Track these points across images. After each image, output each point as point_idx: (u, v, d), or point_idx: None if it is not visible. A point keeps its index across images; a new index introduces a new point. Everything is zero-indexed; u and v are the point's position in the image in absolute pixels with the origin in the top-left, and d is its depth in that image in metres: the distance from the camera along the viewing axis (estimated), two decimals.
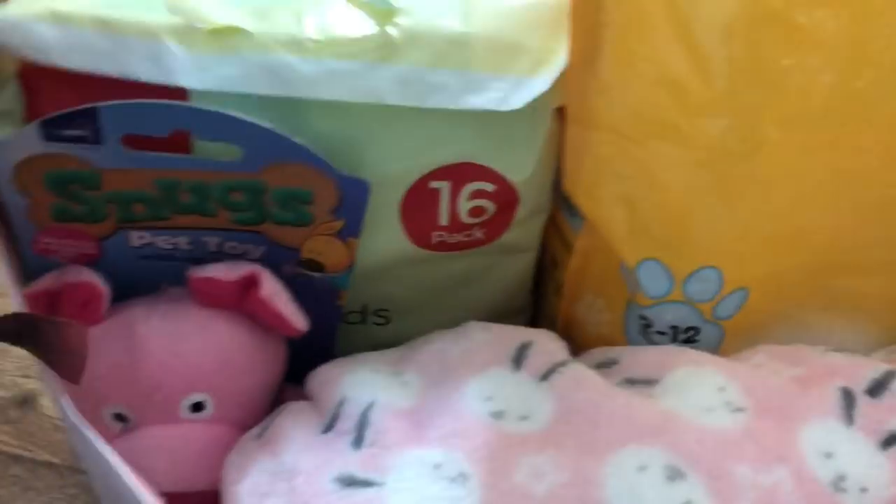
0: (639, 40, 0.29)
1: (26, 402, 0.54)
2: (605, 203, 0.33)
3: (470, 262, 0.37)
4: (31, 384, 0.54)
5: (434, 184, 0.34)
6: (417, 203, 0.34)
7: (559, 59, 0.31)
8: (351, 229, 0.33)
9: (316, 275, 0.35)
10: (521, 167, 0.34)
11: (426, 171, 0.34)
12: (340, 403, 0.31)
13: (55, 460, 0.50)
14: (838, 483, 0.28)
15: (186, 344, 0.32)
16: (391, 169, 0.33)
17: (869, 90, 0.29)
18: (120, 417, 0.32)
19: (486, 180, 0.34)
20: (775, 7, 0.27)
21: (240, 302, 0.33)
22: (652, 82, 0.29)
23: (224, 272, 0.33)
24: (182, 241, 0.33)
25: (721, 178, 0.30)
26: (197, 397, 0.32)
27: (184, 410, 0.32)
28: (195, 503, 0.31)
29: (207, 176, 0.31)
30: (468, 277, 0.38)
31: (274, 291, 0.33)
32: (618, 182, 0.32)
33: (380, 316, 0.39)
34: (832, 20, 0.27)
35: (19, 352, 0.54)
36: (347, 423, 0.30)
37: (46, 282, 0.32)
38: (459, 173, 0.34)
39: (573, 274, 0.37)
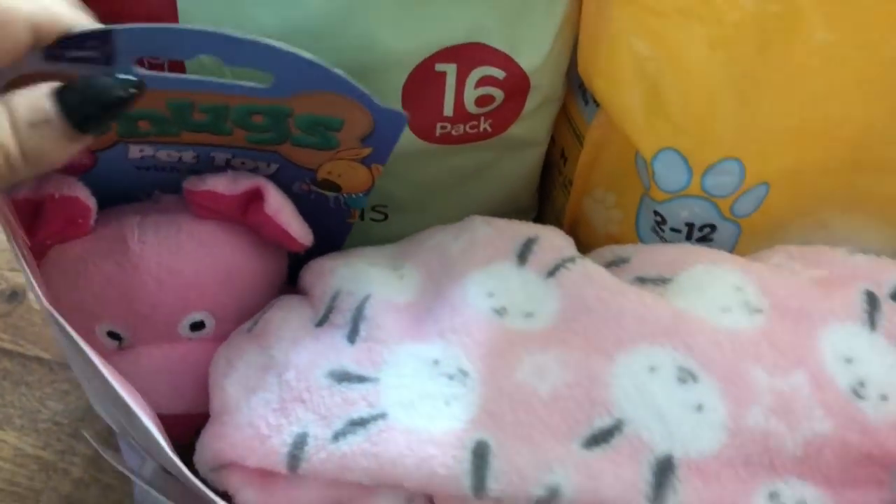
0: None
1: (15, 295, 0.52)
2: (622, 86, 0.30)
3: (474, 156, 0.35)
4: (20, 277, 0.53)
5: (440, 66, 0.31)
6: (421, 89, 0.32)
7: None
8: (378, 156, 0.31)
9: (331, 195, 0.33)
10: (534, 50, 0.32)
11: (432, 51, 0.31)
12: (335, 296, 0.29)
13: (46, 356, 0.49)
14: (858, 389, 0.27)
15: (184, 260, 0.30)
16: (393, 48, 0.31)
17: None
18: (114, 336, 0.31)
19: (497, 65, 0.32)
20: None
21: (242, 215, 0.31)
22: None
23: (225, 185, 0.30)
24: (187, 156, 0.31)
25: (750, 59, 0.28)
26: (196, 316, 0.31)
27: (183, 329, 0.31)
28: (195, 425, 0.30)
29: (230, 100, 0.28)
30: (471, 173, 0.36)
31: (279, 206, 0.31)
32: (637, 62, 0.29)
33: (377, 212, 0.37)
34: None
35: (8, 245, 0.52)
36: (342, 316, 0.29)
37: (29, 191, 0.29)
38: (468, 55, 0.31)
39: (584, 166, 0.35)
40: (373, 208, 0.37)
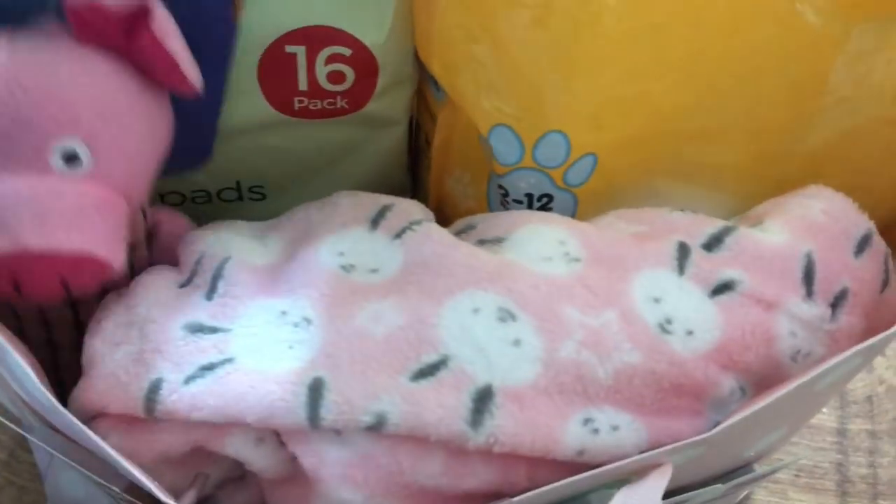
0: None
1: None
2: (456, 68, 0.33)
3: (338, 132, 0.38)
4: None
5: (290, 48, 0.35)
6: (275, 67, 0.35)
7: None
8: None
9: None
10: (375, 30, 0.35)
11: (280, 33, 0.34)
12: (199, 260, 0.32)
13: None
14: (665, 325, 0.30)
15: (58, 76, 0.28)
16: (247, 32, 0.34)
17: None
18: None
19: (342, 44, 0.35)
20: None
21: (127, 42, 0.29)
22: None
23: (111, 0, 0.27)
24: None
25: (567, 39, 0.31)
26: (69, 142, 0.28)
27: (55, 160, 0.28)
28: (60, 269, 0.27)
29: None
30: (340, 151, 0.39)
31: (167, 30, 0.28)
32: (466, 44, 0.32)
33: (255, 192, 0.40)
34: None
35: None
36: (203, 277, 0.31)
37: None
38: (314, 37, 0.34)
39: (439, 147, 0.38)
40: (250, 189, 0.40)
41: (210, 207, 0.40)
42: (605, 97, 0.33)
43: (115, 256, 0.29)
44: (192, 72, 0.30)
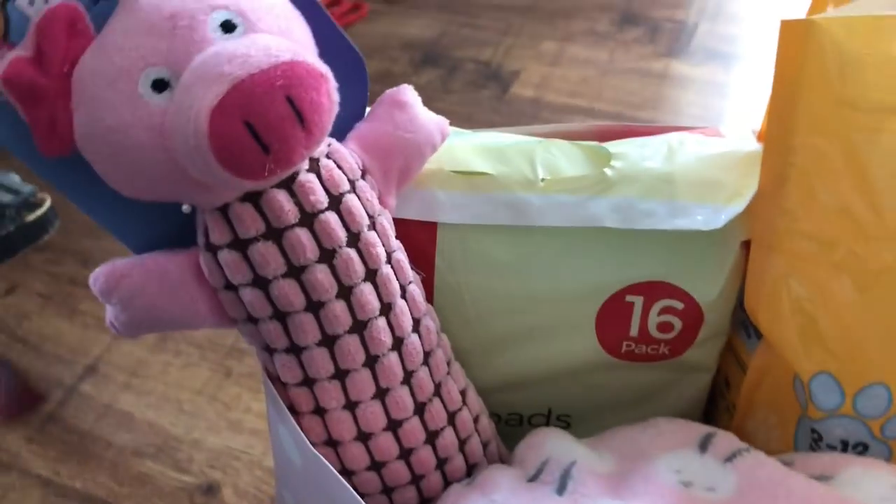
0: (820, 178, 0.35)
1: (211, 489, 0.60)
2: (782, 319, 0.38)
3: (652, 375, 0.43)
4: (217, 474, 0.61)
5: (630, 297, 0.40)
6: (612, 313, 0.41)
7: (750, 192, 0.37)
8: None
9: None
10: (708, 289, 0.40)
11: (624, 285, 0.40)
12: (545, 462, 0.36)
13: None
14: None
15: None
16: (594, 281, 0.40)
17: None
18: (160, 84, 0.30)
19: (676, 298, 0.40)
20: None
21: None
22: (829, 213, 0.35)
23: None
24: None
25: (888, 300, 0.35)
26: (222, 14, 0.30)
27: (215, 32, 0.30)
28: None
29: None
30: (649, 391, 0.43)
31: None
32: (795, 300, 0.37)
33: (562, 421, 0.45)
34: None
35: (211, 445, 0.62)
36: (551, 475, 0.35)
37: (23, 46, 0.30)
38: (653, 290, 0.40)
39: (747, 391, 0.41)
40: (558, 417, 0.44)
41: (519, 431, 0.45)
42: None
43: (325, 68, 0.30)
44: None
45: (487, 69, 1.04)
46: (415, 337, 0.37)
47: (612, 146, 0.40)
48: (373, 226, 0.35)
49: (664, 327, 0.41)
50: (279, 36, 0.31)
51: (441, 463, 0.38)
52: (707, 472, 0.34)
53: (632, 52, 1.06)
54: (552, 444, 0.37)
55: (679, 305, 0.40)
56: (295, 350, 0.35)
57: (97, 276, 0.34)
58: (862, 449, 0.38)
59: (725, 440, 0.36)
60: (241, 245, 0.33)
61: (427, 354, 0.38)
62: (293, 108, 0.28)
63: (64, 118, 0.30)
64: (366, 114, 0.38)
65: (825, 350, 0.37)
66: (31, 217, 0.80)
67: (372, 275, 0.35)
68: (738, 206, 0.37)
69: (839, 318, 0.36)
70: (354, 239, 0.34)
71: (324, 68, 0.30)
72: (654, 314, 0.40)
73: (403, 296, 0.37)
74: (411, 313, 0.37)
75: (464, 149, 0.40)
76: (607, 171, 0.38)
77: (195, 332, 0.73)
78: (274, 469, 0.44)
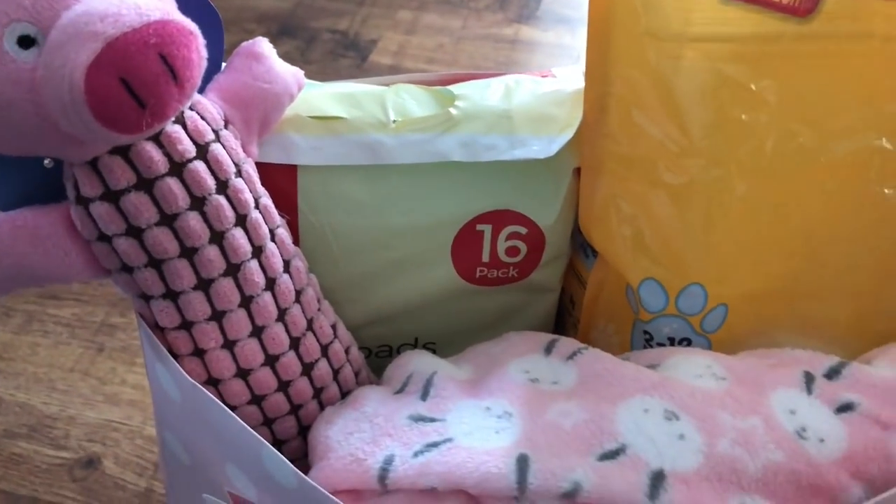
0: (634, 104, 0.40)
1: (91, 463, 0.60)
2: (612, 234, 0.42)
3: (505, 298, 0.47)
4: (96, 447, 0.61)
5: (480, 226, 0.44)
6: (466, 242, 0.44)
7: (578, 122, 0.42)
8: None
9: None
10: (547, 214, 0.44)
11: (474, 215, 0.44)
12: (409, 376, 0.39)
13: None
14: (801, 432, 0.36)
15: None
16: (447, 213, 0.43)
17: (808, 147, 0.39)
18: (25, 42, 0.30)
19: (521, 224, 0.44)
20: (734, 77, 0.38)
21: None
22: (645, 135, 0.40)
23: None
24: None
25: (698, 210, 0.40)
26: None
27: None
28: None
29: None
30: (503, 313, 0.47)
31: None
32: (622, 215, 0.42)
33: (428, 348, 0.48)
34: (775, 86, 0.38)
35: (87, 419, 0.62)
36: (415, 386, 0.39)
37: None
38: (500, 218, 0.44)
39: (588, 304, 0.46)
40: (425, 345, 0.48)
41: (389, 361, 0.48)
42: (735, 257, 0.41)
43: (194, 26, 0.32)
44: None
45: (345, 38, 1.06)
46: (286, 277, 0.39)
47: (456, 88, 0.43)
48: (239, 173, 0.37)
49: (511, 252, 0.45)
50: None
51: (317, 392, 0.41)
52: (552, 368, 0.39)
53: (484, 20, 1.10)
54: (416, 361, 0.40)
55: (523, 231, 0.44)
56: (171, 295, 0.36)
57: None
58: (686, 343, 0.43)
59: (567, 343, 0.40)
60: (112, 196, 0.34)
61: (298, 293, 0.40)
62: (166, 65, 0.30)
63: None
64: (223, 66, 0.40)
65: (650, 259, 0.42)
66: None
67: (242, 220, 0.37)
68: (568, 134, 0.41)
69: (660, 229, 0.41)
70: (223, 186, 0.36)
71: (192, 26, 0.31)
72: (502, 240, 0.44)
73: (273, 239, 0.39)
74: (281, 255, 0.39)
75: (319, 96, 0.43)
76: (452, 110, 0.42)
77: (62, 311, 0.72)
78: (154, 415, 0.45)
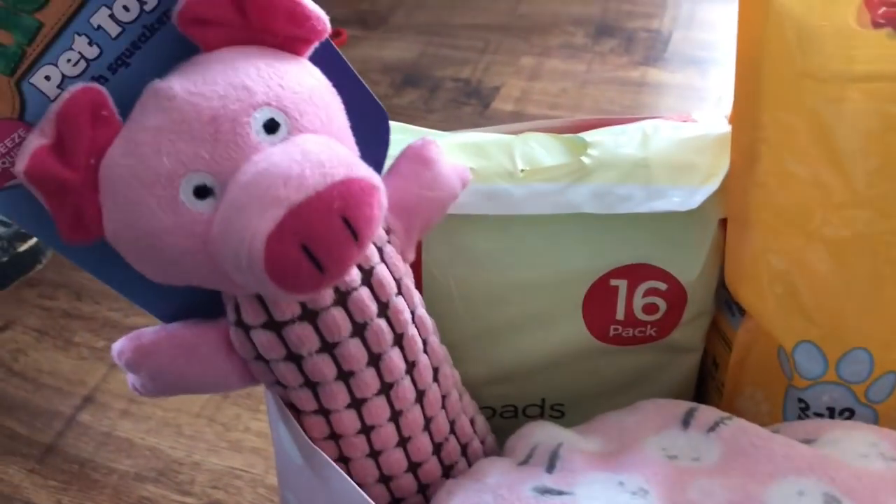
0: (788, 151, 0.36)
1: None
2: (762, 292, 0.39)
3: (642, 358, 0.43)
4: (219, 494, 0.61)
5: (614, 281, 0.41)
6: (598, 298, 0.41)
7: (723, 171, 0.39)
8: None
9: None
10: (689, 269, 0.41)
11: (607, 269, 0.41)
12: (534, 447, 0.37)
13: None
14: None
15: (219, 72, 0.29)
16: (578, 266, 0.41)
17: None
18: (202, 192, 0.29)
19: (659, 279, 0.41)
20: None
21: (242, 15, 0.30)
22: (800, 184, 0.36)
23: None
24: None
25: (863, 267, 0.36)
26: (265, 112, 0.29)
27: (258, 133, 0.29)
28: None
29: None
30: (639, 375, 0.44)
31: None
32: (773, 272, 0.38)
33: (556, 410, 0.45)
34: None
35: (211, 466, 0.62)
36: (540, 458, 0.36)
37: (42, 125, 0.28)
38: (636, 272, 0.41)
39: (734, 367, 0.42)
40: (552, 407, 0.45)
41: (514, 423, 0.45)
42: None
43: (376, 178, 0.29)
44: (315, 8, 0.30)
45: (468, 86, 1.06)
46: (434, 386, 0.37)
47: (589, 135, 0.41)
48: (399, 291, 0.35)
49: (649, 309, 0.41)
50: (322, 131, 0.30)
51: (446, 470, 0.39)
52: (691, 444, 0.35)
53: (608, 63, 1.08)
54: (540, 431, 0.38)
55: (662, 286, 0.41)
56: (323, 412, 0.35)
57: (122, 350, 0.34)
58: (848, 414, 0.38)
59: (707, 412, 0.37)
60: (275, 326, 0.33)
61: (444, 398, 0.38)
62: (349, 227, 0.28)
63: (91, 212, 0.30)
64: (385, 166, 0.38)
65: (806, 319, 0.38)
66: (23, 247, 0.80)
67: (399, 339, 0.35)
68: (713, 185, 0.38)
69: (817, 287, 0.37)
70: (384, 308, 0.34)
71: (376, 179, 0.29)
72: (638, 296, 0.41)
73: (425, 350, 0.37)
74: (431, 364, 0.37)
75: (445, 147, 0.41)
76: (584, 158, 0.40)
77: None
78: (276, 472, 0.44)
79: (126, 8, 0.30)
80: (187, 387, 0.35)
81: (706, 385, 0.46)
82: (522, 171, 0.40)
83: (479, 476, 0.36)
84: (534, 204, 0.39)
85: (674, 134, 0.41)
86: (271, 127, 0.29)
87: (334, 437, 0.36)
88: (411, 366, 0.36)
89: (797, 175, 0.36)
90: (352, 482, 0.32)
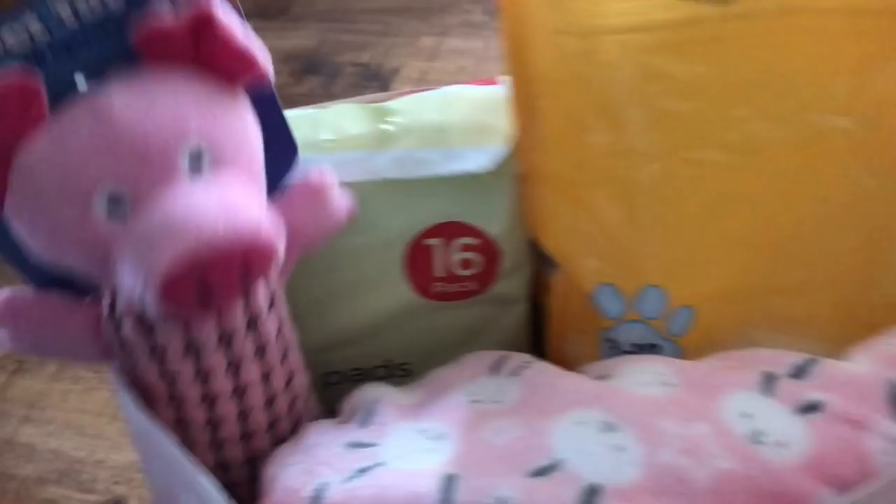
0: (564, 105, 0.38)
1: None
2: (561, 241, 0.41)
3: (471, 312, 0.46)
4: (121, 489, 0.63)
5: (429, 241, 0.43)
6: (417, 258, 0.44)
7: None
8: None
9: None
10: (496, 223, 0.43)
11: (421, 230, 0.43)
12: (355, 407, 0.39)
13: None
14: (756, 437, 0.33)
15: (160, 95, 0.30)
16: (394, 229, 0.43)
17: (757, 133, 0.37)
18: (116, 201, 0.30)
19: (471, 236, 0.43)
20: (658, 67, 0.36)
21: (195, 50, 0.31)
22: (579, 136, 0.38)
23: (170, 18, 0.31)
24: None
25: (644, 209, 0.39)
26: (195, 144, 0.31)
27: (184, 161, 0.30)
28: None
29: None
30: (472, 329, 0.46)
31: (231, 30, 0.31)
32: (567, 222, 0.40)
33: (402, 369, 0.47)
34: (707, 73, 0.36)
35: (114, 462, 0.63)
36: (358, 414, 0.38)
37: None
38: (448, 231, 0.43)
39: (556, 315, 0.44)
40: (399, 366, 0.47)
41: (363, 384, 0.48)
42: (691, 256, 0.39)
43: (278, 236, 0.32)
44: (260, 55, 0.33)
45: (367, 70, 1.07)
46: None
47: (395, 103, 0.43)
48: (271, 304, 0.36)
49: (466, 264, 0.44)
50: (242, 171, 0.32)
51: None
52: (497, 388, 0.37)
53: None
54: (363, 393, 0.40)
55: (475, 242, 0.43)
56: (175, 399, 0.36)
57: None
58: (653, 349, 0.41)
59: (516, 358, 0.39)
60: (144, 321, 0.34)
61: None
62: (244, 278, 0.31)
63: None
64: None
65: (602, 262, 0.40)
66: None
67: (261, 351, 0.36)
68: (507, 145, 0.40)
69: (608, 232, 0.40)
70: (254, 323, 0.35)
71: (277, 241, 0.32)
72: (454, 253, 0.43)
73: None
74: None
75: None
76: (387, 126, 0.42)
77: None
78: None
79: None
80: (45, 353, 0.36)
81: (542, 336, 0.48)
82: (328, 140, 0.42)
83: (299, 439, 0.38)
84: (341, 172, 0.41)
85: (473, 97, 0.43)
86: (198, 157, 0.31)
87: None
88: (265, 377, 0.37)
89: (575, 128, 0.38)
90: (177, 444, 0.33)
